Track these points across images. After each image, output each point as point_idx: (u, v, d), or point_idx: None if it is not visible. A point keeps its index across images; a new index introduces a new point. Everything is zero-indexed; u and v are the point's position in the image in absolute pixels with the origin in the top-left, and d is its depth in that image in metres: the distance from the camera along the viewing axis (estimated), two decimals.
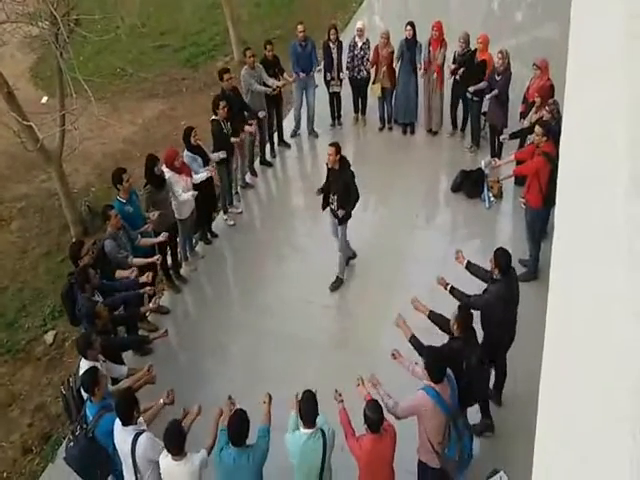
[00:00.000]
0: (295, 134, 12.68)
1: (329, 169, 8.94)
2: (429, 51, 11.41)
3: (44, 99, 14.67)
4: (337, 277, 9.44)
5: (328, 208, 9.20)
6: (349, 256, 9.57)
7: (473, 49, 10.93)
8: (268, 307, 9.20)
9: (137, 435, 5.81)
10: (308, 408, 5.70)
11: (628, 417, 0.98)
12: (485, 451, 7.14)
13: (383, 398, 6.01)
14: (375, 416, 5.62)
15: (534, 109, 9.62)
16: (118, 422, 5.91)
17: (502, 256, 6.84)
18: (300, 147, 12.68)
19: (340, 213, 8.85)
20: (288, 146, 12.49)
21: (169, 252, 9.52)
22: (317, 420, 5.73)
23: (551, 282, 2.05)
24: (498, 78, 10.41)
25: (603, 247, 1.37)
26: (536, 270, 8.93)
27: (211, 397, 7.95)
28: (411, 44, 11.46)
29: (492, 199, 10.51)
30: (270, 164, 12.09)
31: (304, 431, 5.72)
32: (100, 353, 6.65)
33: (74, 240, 8.34)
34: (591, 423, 1.29)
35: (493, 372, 7.34)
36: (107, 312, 7.19)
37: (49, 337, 9.08)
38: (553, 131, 8.36)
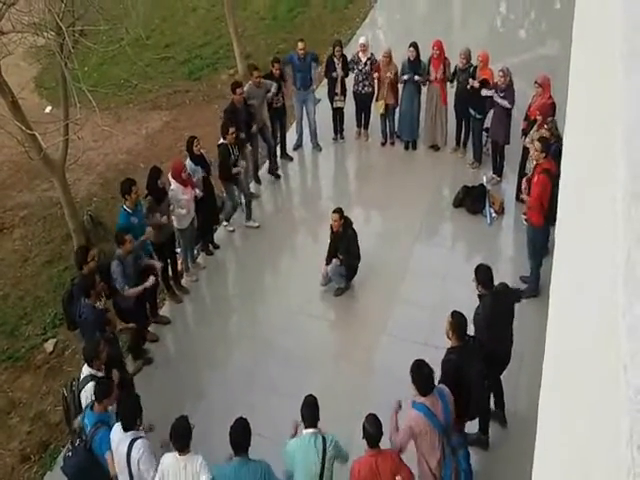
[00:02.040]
0: (297, 147, 12.73)
1: (333, 232, 9.14)
2: (429, 70, 11.50)
3: (48, 109, 14.75)
4: (337, 287, 9.50)
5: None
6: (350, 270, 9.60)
7: (474, 66, 10.96)
8: (268, 319, 9.22)
9: (134, 439, 5.83)
10: (309, 412, 5.79)
11: (627, 433, 0.99)
12: (485, 468, 7.12)
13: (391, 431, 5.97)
14: (373, 429, 5.62)
15: (536, 127, 9.66)
16: (117, 427, 5.94)
17: (482, 272, 6.91)
18: (302, 160, 12.72)
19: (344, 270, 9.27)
20: (290, 159, 12.54)
21: (169, 263, 9.54)
22: (328, 436, 5.76)
23: (551, 299, 2.07)
24: (501, 95, 10.44)
25: (603, 264, 1.39)
26: (537, 287, 8.92)
27: (209, 406, 7.99)
28: (414, 64, 11.53)
29: (494, 215, 10.52)
30: (278, 175, 12.13)
31: (305, 431, 5.78)
32: (104, 363, 6.70)
33: (80, 245, 8.39)
34: (590, 439, 1.30)
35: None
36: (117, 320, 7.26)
37: (49, 345, 9.09)
38: (553, 149, 8.40)
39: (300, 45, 11.91)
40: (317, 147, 12.68)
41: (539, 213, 8.48)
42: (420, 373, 5.86)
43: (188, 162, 9.59)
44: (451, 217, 10.86)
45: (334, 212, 8.99)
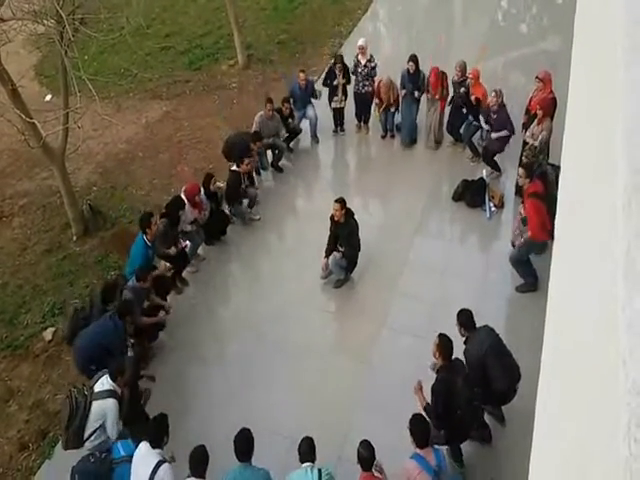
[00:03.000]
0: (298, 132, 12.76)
1: (334, 222, 9.15)
2: (428, 90, 11.56)
3: (48, 97, 14.72)
4: (337, 279, 9.53)
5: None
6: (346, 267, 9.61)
7: (468, 79, 10.99)
8: (268, 310, 9.20)
9: (160, 462, 5.91)
10: (307, 449, 5.98)
11: (625, 426, 1.00)
12: (483, 463, 7.13)
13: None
14: (367, 453, 5.81)
15: (536, 121, 9.66)
16: (143, 445, 6.03)
17: (464, 315, 6.94)
18: (302, 152, 12.69)
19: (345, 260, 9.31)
20: (291, 150, 12.53)
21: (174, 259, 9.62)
22: (324, 469, 5.90)
23: (550, 293, 2.08)
24: (494, 117, 10.45)
25: (602, 258, 1.39)
26: (536, 281, 8.87)
27: (208, 395, 8.00)
28: (414, 76, 11.62)
29: (493, 209, 10.51)
30: (281, 169, 12.14)
31: (303, 465, 5.94)
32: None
33: (108, 282, 8.54)
34: (587, 432, 1.31)
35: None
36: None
37: (48, 334, 9.09)
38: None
39: (301, 75, 12.16)
40: (315, 139, 12.68)
41: (544, 232, 8.33)
42: (418, 426, 6.04)
43: (202, 195, 9.96)
44: (451, 211, 10.83)
45: (336, 202, 8.98)
